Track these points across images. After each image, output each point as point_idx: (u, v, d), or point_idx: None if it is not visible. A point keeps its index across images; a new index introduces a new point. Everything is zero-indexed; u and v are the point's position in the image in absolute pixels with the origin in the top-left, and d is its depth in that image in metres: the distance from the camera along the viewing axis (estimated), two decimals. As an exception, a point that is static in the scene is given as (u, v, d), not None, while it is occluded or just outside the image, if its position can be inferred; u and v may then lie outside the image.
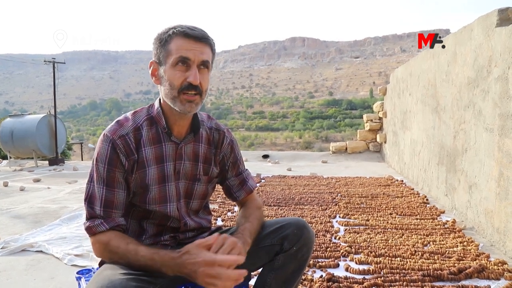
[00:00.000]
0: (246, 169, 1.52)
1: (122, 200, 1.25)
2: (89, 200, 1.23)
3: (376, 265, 2.37)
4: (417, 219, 3.46)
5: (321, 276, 2.24)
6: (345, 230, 3.17)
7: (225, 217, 3.58)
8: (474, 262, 2.40)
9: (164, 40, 1.22)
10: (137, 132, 1.27)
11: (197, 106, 1.25)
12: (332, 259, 2.50)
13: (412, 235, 2.99)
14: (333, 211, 3.76)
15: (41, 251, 2.81)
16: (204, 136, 1.39)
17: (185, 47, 1.19)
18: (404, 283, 2.12)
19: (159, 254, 1.11)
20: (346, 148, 9.31)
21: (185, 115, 1.27)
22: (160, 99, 1.31)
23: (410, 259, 2.47)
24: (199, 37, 1.21)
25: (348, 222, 3.36)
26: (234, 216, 3.60)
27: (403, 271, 2.29)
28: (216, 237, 1.11)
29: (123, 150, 1.24)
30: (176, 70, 1.20)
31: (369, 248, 2.69)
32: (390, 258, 2.49)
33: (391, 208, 3.83)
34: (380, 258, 2.49)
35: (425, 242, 2.82)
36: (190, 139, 1.34)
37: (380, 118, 8.83)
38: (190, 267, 1.06)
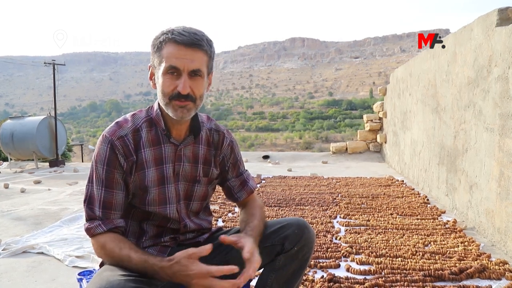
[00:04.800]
0: (246, 170, 1.53)
1: (121, 201, 1.25)
2: (88, 201, 1.24)
3: (377, 265, 2.37)
4: (417, 219, 3.46)
5: (322, 277, 2.24)
6: (346, 230, 3.17)
7: (225, 218, 3.58)
8: (475, 262, 2.40)
9: (157, 46, 1.20)
10: (136, 134, 1.27)
11: (189, 111, 1.22)
12: (333, 259, 2.50)
13: (413, 235, 2.99)
14: (334, 211, 3.76)
15: (42, 253, 2.81)
16: (204, 137, 1.39)
17: (175, 55, 1.17)
18: (405, 283, 2.12)
19: (149, 263, 1.09)
20: (347, 149, 9.31)
21: (180, 119, 1.24)
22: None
23: (411, 259, 2.47)
24: (189, 44, 1.17)
25: (348, 222, 3.35)
26: (235, 217, 3.59)
27: (404, 271, 2.29)
28: (209, 249, 1.08)
29: (122, 151, 1.24)
30: (167, 78, 1.19)
31: (370, 248, 2.69)
32: (391, 259, 2.49)
33: (392, 209, 3.83)
34: (381, 259, 2.49)
35: (426, 242, 2.81)
36: (189, 141, 1.34)
37: (380, 119, 8.83)
38: (183, 279, 1.05)
